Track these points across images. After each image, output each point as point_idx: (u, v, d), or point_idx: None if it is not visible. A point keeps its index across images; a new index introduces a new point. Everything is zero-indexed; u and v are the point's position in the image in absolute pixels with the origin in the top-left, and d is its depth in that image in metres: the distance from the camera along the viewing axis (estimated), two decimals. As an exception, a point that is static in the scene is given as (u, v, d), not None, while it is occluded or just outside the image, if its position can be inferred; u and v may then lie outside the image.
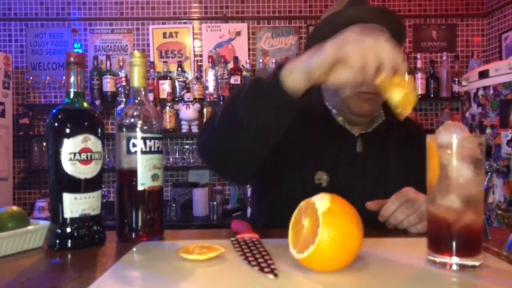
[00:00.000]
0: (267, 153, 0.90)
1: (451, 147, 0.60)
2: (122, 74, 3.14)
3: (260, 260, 0.63)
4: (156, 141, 0.81)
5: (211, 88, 3.16)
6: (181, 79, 3.21)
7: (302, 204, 0.63)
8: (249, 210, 2.86)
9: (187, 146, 3.27)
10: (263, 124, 0.80)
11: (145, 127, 0.80)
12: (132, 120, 0.80)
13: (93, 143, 0.76)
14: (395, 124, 1.15)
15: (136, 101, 0.82)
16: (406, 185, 1.03)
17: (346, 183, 1.07)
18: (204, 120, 3.11)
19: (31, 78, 3.27)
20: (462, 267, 0.59)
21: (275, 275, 0.57)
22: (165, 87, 3.15)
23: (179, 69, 3.23)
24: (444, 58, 3.27)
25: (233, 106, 0.82)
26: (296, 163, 1.08)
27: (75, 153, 0.74)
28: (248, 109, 0.80)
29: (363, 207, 0.87)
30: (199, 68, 3.26)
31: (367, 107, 1.07)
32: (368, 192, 1.01)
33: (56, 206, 0.75)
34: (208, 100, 3.12)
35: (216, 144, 0.91)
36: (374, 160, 1.11)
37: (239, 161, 0.91)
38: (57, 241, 0.74)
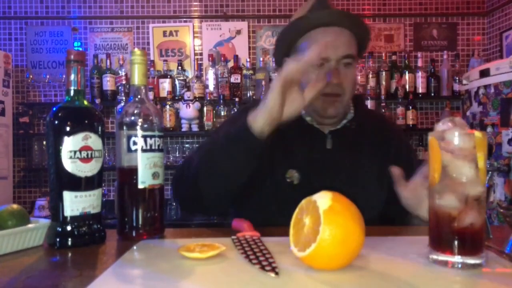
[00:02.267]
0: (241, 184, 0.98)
1: (453, 144, 0.60)
2: (122, 72, 3.13)
3: (261, 258, 0.62)
4: (157, 139, 0.81)
5: (211, 87, 3.15)
6: (181, 78, 3.20)
7: (303, 202, 0.63)
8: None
9: (187, 145, 3.27)
10: (237, 167, 0.92)
11: (145, 125, 0.80)
12: (133, 118, 0.80)
13: (94, 141, 0.76)
14: (366, 120, 1.19)
15: (137, 99, 0.82)
16: (379, 180, 1.10)
17: (318, 179, 1.09)
18: (204, 118, 3.11)
19: (31, 76, 3.27)
20: (464, 265, 0.59)
21: (276, 273, 0.56)
22: (165, 85, 3.15)
23: (179, 67, 3.23)
24: (445, 56, 3.26)
25: (210, 155, 0.95)
26: (268, 164, 1.11)
27: (75, 151, 0.74)
28: (224, 157, 0.91)
29: None
30: (199, 67, 3.25)
31: (332, 109, 1.10)
32: (340, 187, 1.03)
33: (56, 204, 0.74)
34: (208, 98, 3.11)
35: (195, 187, 0.97)
36: (345, 156, 1.13)
37: (216, 200, 1.00)
38: (58, 239, 0.74)
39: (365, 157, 1.14)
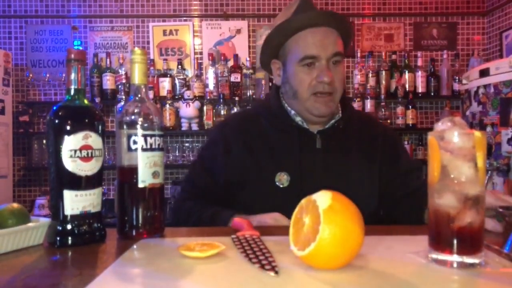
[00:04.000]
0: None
1: (452, 143, 0.60)
2: (122, 71, 3.13)
3: (261, 257, 0.63)
4: (157, 138, 0.81)
5: (211, 86, 3.15)
6: (181, 77, 3.20)
7: (303, 201, 0.63)
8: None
9: (187, 144, 3.27)
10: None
11: (145, 124, 0.80)
12: (133, 117, 0.80)
13: (94, 140, 0.76)
14: (354, 119, 1.20)
15: (137, 98, 0.82)
16: (369, 179, 1.13)
17: (307, 180, 1.09)
18: (204, 117, 3.11)
19: (31, 75, 3.26)
20: (462, 264, 0.59)
21: (276, 272, 0.57)
22: (165, 84, 3.15)
23: (179, 66, 3.23)
24: (445, 56, 3.26)
25: (192, 221, 1.11)
26: (257, 169, 1.12)
27: (75, 150, 0.74)
28: (207, 225, 1.03)
29: None
30: (199, 66, 3.25)
31: (324, 108, 1.11)
32: (330, 186, 1.06)
33: (56, 203, 0.74)
34: (208, 97, 3.11)
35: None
36: (334, 155, 1.14)
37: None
38: (58, 238, 0.74)
39: (353, 156, 1.15)
